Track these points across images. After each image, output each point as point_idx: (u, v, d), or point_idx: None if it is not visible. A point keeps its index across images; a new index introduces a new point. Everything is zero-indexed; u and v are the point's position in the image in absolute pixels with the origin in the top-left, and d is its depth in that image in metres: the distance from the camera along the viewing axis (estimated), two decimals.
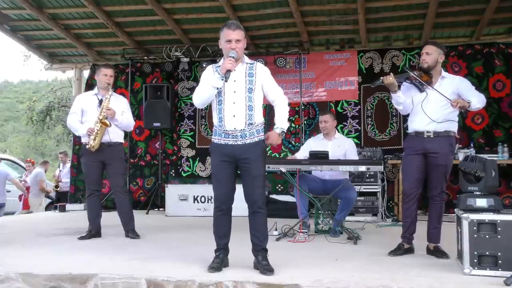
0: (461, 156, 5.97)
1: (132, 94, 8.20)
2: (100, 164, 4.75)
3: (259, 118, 3.28)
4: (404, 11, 6.88)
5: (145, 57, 8.13)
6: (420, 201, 3.99)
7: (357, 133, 7.43)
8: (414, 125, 3.84)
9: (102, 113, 4.60)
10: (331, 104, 7.57)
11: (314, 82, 7.68)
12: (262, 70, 3.32)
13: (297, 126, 7.67)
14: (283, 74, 7.70)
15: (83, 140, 4.77)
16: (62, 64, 9.09)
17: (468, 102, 3.57)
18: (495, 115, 6.92)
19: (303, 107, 7.61)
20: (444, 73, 3.84)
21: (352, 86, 7.50)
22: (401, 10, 6.86)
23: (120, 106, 4.82)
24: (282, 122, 3.28)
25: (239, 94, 3.23)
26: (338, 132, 5.78)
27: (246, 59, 3.35)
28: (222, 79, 3.17)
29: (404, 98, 3.86)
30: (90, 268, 3.22)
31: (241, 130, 3.21)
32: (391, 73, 3.82)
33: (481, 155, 3.76)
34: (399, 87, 3.84)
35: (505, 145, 6.29)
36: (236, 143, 3.22)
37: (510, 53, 6.96)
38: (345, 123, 7.48)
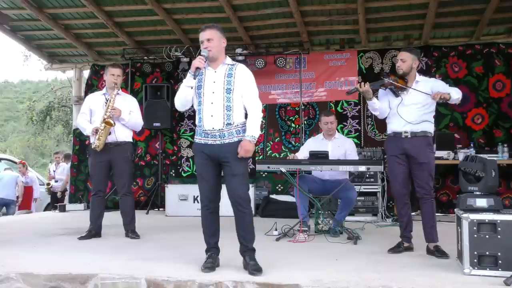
0: (461, 156, 5.96)
1: (132, 94, 8.14)
2: (106, 164, 4.75)
3: (239, 118, 3.27)
4: (404, 11, 6.88)
5: (145, 57, 8.14)
6: (412, 201, 4.05)
7: (357, 133, 7.43)
8: (392, 126, 4.00)
9: (107, 113, 4.61)
10: (331, 104, 7.57)
11: (314, 82, 7.68)
12: (242, 72, 3.31)
13: (297, 126, 7.67)
14: (283, 74, 7.71)
15: (91, 140, 4.78)
16: (62, 64, 9.09)
17: (448, 94, 3.73)
18: (495, 115, 6.93)
19: (303, 107, 7.62)
20: (418, 77, 4.01)
21: (352, 86, 7.49)
22: (401, 10, 6.86)
23: (128, 105, 4.83)
24: (252, 130, 3.22)
25: (217, 95, 3.24)
26: (338, 132, 5.78)
27: (228, 60, 3.36)
28: (193, 77, 3.22)
29: (379, 104, 4.03)
30: (90, 268, 3.22)
31: (219, 130, 3.22)
32: (366, 82, 3.99)
33: (481, 155, 3.77)
34: (375, 93, 4.04)
35: (505, 145, 6.29)
36: (215, 143, 3.24)
37: (510, 53, 6.97)
38: (345, 123, 7.47)
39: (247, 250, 3.22)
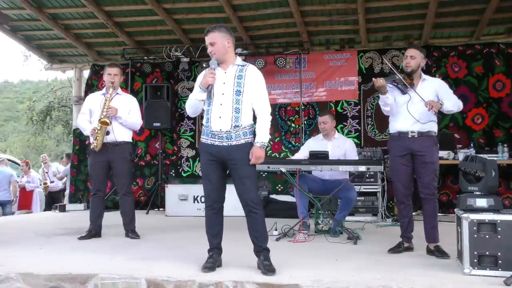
0: (461, 156, 5.96)
1: (132, 94, 8.12)
2: (105, 164, 4.75)
3: (247, 120, 3.25)
4: (404, 11, 6.88)
5: (145, 57, 8.14)
6: (414, 202, 4.04)
7: (357, 133, 7.43)
8: (398, 125, 3.94)
9: (103, 112, 4.61)
10: (331, 104, 7.57)
11: (314, 82, 7.68)
12: (252, 74, 3.29)
13: (297, 126, 7.67)
14: (283, 74, 7.71)
15: (90, 140, 4.79)
16: (62, 64, 9.09)
17: (441, 104, 3.70)
18: (495, 115, 6.93)
19: (303, 107, 7.61)
20: (424, 76, 3.97)
21: (352, 86, 7.50)
22: (401, 10, 6.87)
23: (127, 105, 4.83)
24: (262, 136, 3.23)
25: (226, 96, 3.23)
26: (338, 132, 5.78)
27: (239, 60, 3.34)
28: (205, 92, 3.23)
29: (392, 99, 3.94)
30: (90, 268, 3.22)
31: (227, 131, 3.21)
32: (380, 78, 3.91)
33: (481, 155, 3.77)
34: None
35: (505, 145, 6.29)
36: (222, 144, 3.22)
37: (510, 53, 6.97)
38: (345, 123, 7.48)
39: (261, 250, 3.22)
